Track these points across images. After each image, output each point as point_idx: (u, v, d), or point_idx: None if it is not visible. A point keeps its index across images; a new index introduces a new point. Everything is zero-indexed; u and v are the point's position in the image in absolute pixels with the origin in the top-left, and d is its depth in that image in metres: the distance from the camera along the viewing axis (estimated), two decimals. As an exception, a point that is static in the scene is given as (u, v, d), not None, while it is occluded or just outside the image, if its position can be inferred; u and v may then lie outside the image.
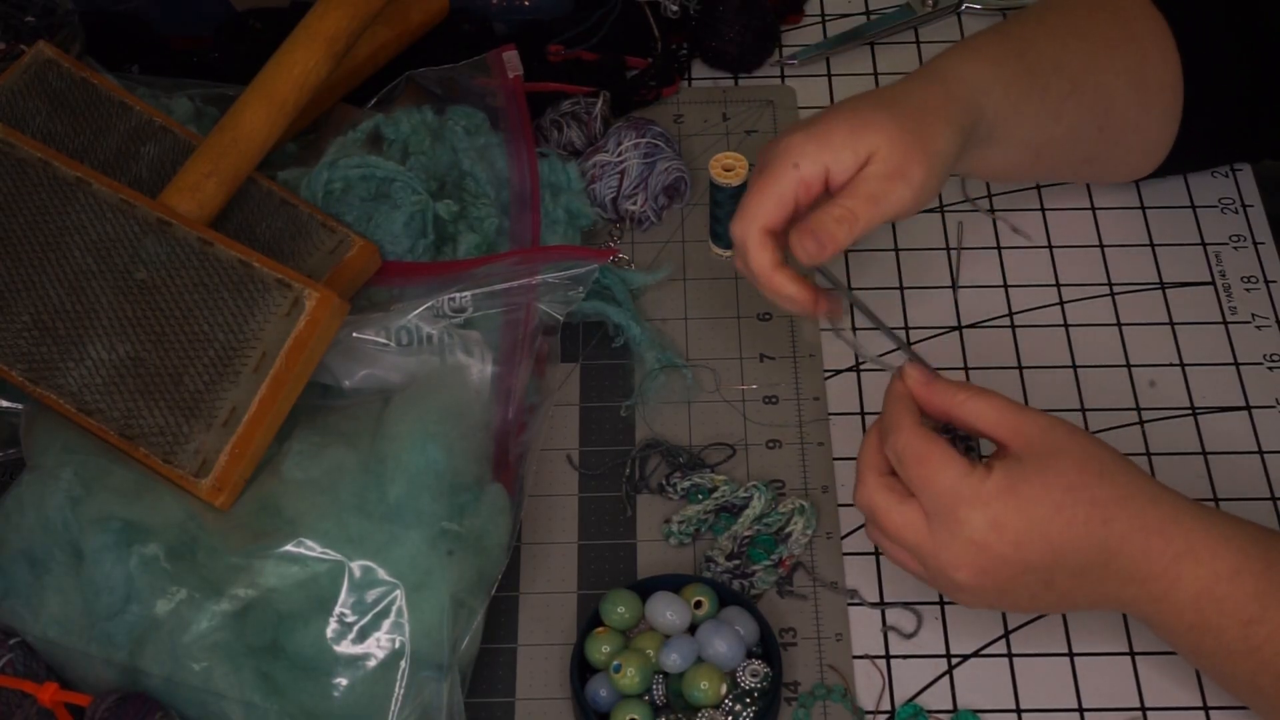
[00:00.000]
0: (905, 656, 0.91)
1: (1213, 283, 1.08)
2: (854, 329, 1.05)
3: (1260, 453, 0.99)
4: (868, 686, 0.90)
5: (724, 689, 0.88)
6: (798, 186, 0.86)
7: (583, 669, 0.90)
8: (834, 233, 0.85)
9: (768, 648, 0.90)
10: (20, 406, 0.94)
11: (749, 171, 1.06)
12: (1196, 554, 0.79)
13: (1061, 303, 1.07)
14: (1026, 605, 0.83)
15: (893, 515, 0.82)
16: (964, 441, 0.84)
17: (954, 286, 1.08)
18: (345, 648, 0.85)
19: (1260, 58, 1.02)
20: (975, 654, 0.91)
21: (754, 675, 0.88)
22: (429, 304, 0.98)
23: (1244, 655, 0.80)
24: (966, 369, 1.04)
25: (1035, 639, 0.92)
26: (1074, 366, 1.04)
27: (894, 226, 1.11)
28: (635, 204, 1.11)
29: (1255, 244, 1.10)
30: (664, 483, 0.99)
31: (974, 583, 0.81)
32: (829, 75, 1.23)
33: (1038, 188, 1.13)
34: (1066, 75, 0.97)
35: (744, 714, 0.87)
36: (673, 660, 0.88)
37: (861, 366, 1.04)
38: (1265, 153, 1.10)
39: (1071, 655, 0.91)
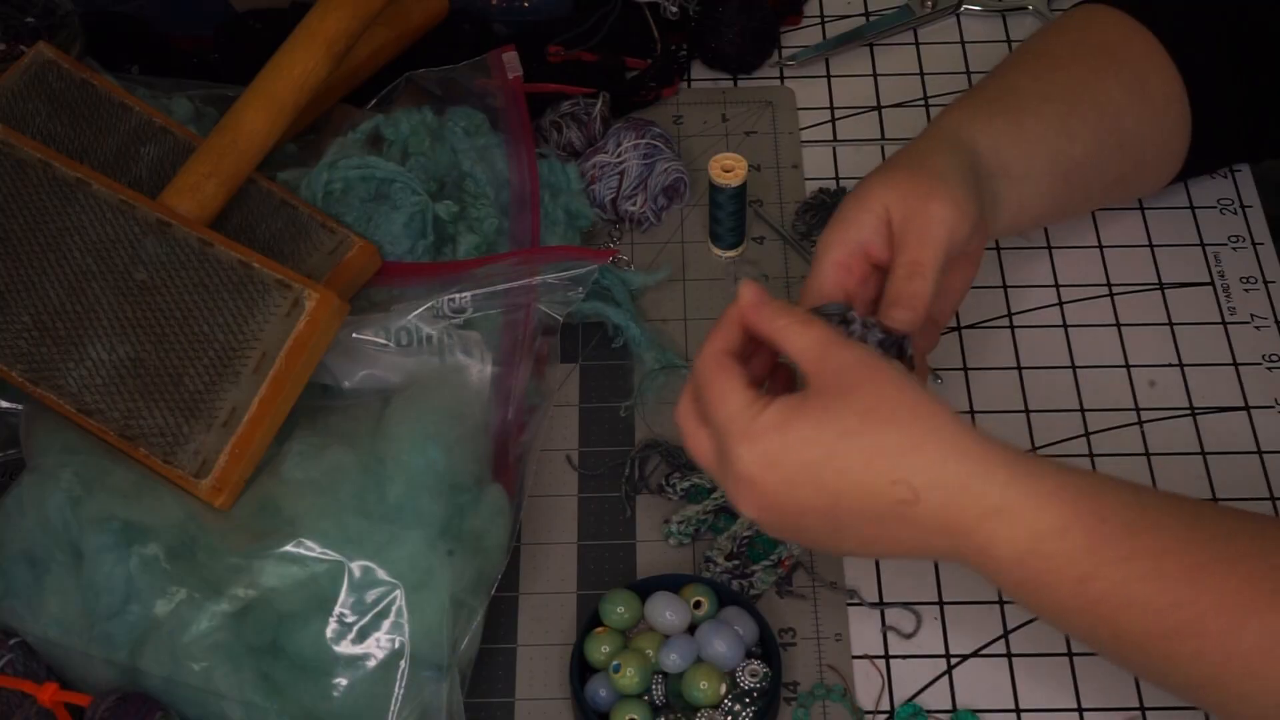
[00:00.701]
0: (904, 656, 0.92)
1: (1212, 283, 1.08)
2: None
3: (1259, 453, 0.99)
4: (867, 686, 0.90)
5: (723, 689, 0.88)
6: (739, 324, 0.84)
7: (582, 669, 0.90)
8: (912, 289, 0.84)
9: (767, 648, 0.90)
10: (20, 407, 0.94)
11: (748, 172, 1.06)
12: (1013, 511, 0.75)
13: (1061, 303, 1.07)
14: (830, 546, 0.81)
15: (690, 439, 0.81)
16: (890, 346, 0.82)
17: (953, 287, 1.08)
18: (345, 648, 0.85)
19: (1256, 59, 1.02)
20: (974, 654, 0.91)
21: (753, 675, 0.88)
22: (429, 304, 0.98)
23: (1079, 611, 0.76)
24: (966, 369, 1.04)
25: (1035, 639, 0.92)
26: (1073, 367, 1.04)
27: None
28: (635, 205, 1.11)
29: (1254, 244, 1.10)
30: (663, 483, 0.99)
31: (761, 517, 0.79)
32: (828, 76, 1.23)
33: (1037, 188, 1.14)
34: (1057, 100, 0.97)
35: (743, 714, 0.87)
36: (672, 660, 0.88)
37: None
38: (1267, 153, 1.10)
39: (1071, 655, 0.91)
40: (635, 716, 0.87)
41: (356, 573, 0.85)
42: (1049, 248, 1.10)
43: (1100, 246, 1.10)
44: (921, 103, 1.21)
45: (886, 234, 0.86)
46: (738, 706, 0.87)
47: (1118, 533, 0.75)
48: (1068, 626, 0.80)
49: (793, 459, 0.76)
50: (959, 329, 1.06)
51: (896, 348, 0.83)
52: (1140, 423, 1.01)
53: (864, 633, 0.92)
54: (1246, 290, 1.08)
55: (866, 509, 0.77)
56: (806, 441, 0.76)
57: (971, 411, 1.02)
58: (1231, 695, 0.75)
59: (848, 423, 0.76)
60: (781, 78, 1.23)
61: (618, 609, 0.91)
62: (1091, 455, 0.99)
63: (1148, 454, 0.99)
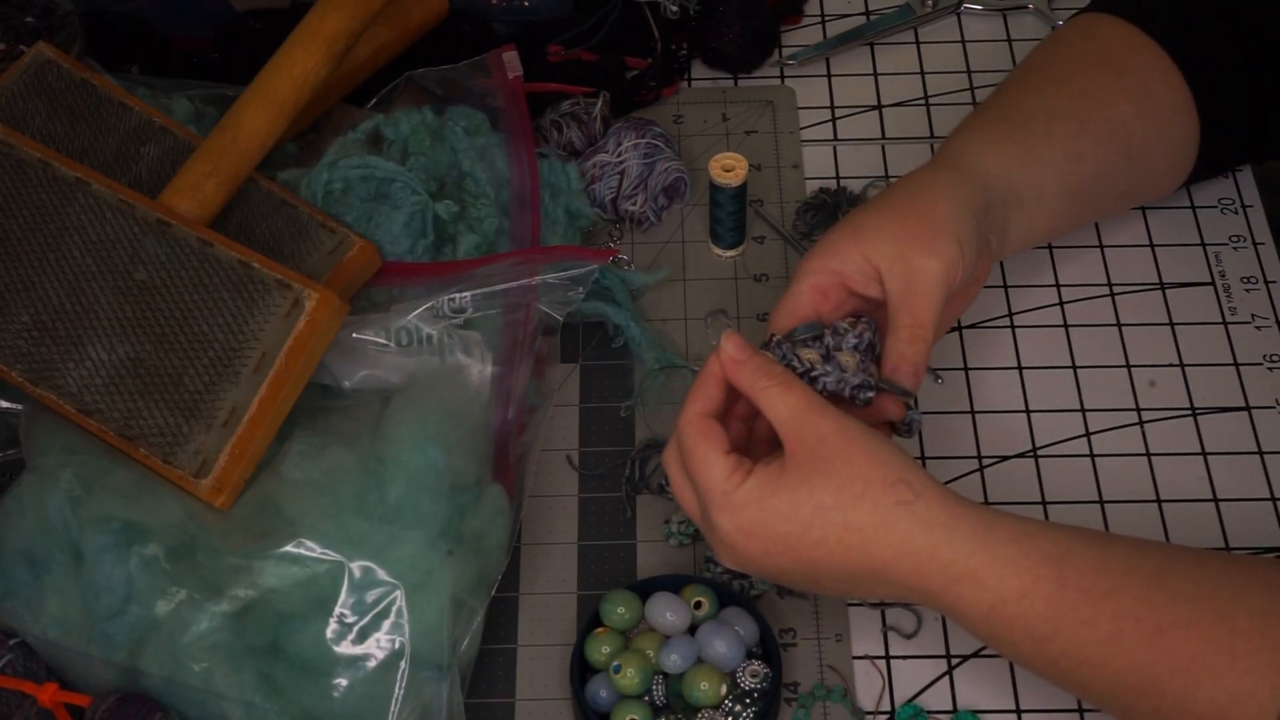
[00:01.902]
0: (905, 657, 0.91)
1: (1212, 283, 1.08)
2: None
3: (1260, 453, 0.99)
4: (868, 687, 0.90)
5: (724, 689, 0.88)
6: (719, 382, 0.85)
7: (583, 669, 0.90)
8: (916, 352, 0.86)
9: (767, 648, 0.90)
10: (20, 407, 0.94)
11: (748, 171, 1.06)
12: (977, 577, 0.78)
13: (1062, 303, 1.07)
14: (812, 590, 0.84)
15: (677, 490, 0.85)
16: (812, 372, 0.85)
17: (954, 287, 1.08)
18: (345, 648, 0.85)
19: (1257, 59, 1.02)
20: (975, 654, 0.91)
21: (754, 676, 0.88)
22: (429, 304, 0.98)
23: (1043, 666, 0.80)
24: (966, 369, 1.04)
25: (1035, 639, 0.92)
26: (1074, 367, 1.04)
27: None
28: (635, 204, 1.11)
29: (1255, 244, 1.10)
30: (664, 483, 0.99)
31: (744, 567, 0.83)
32: (829, 76, 1.23)
33: (1037, 188, 1.14)
34: (1067, 118, 0.97)
35: (744, 714, 0.87)
36: (673, 661, 0.88)
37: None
38: (1269, 154, 1.10)
39: (1071, 656, 0.91)
40: (636, 717, 0.87)
41: (356, 573, 0.85)
42: (1049, 248, 1.10)
43: (1101, 246, 1.10)
44: (922, 102, 1.21)
45: (871, 273, 0.88)
46: (738, 707, 0.87)
47: (1076, 599, 0.78)
48: (1035, 674, 0.83)
49: (770, 531, 0.80)
50: (959, 329, 1.06)
51: (870, 350, 0.87)
52: (1141, 423, 1.01)
53: (864, 633, 0.92)
54: (1247, 290, 1.08)
55: (841, 573, 0.81)
56: (783, 517, 0.80)
57: (972, 411, 1.02)
58: None
59: (822, 498, 0.79)
60: (782, 77, 1.23)
61: (618, 609, 0.91)
62: (1092, 455, 0.99)
63: (1148, 454, 0.99)
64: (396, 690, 0.85)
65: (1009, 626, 0.79)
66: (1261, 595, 0.77)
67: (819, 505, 0.79)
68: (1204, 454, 0.99)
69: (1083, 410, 1.01)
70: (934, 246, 0.87)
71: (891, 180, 1.14)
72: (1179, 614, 0.77)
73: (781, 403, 0.81)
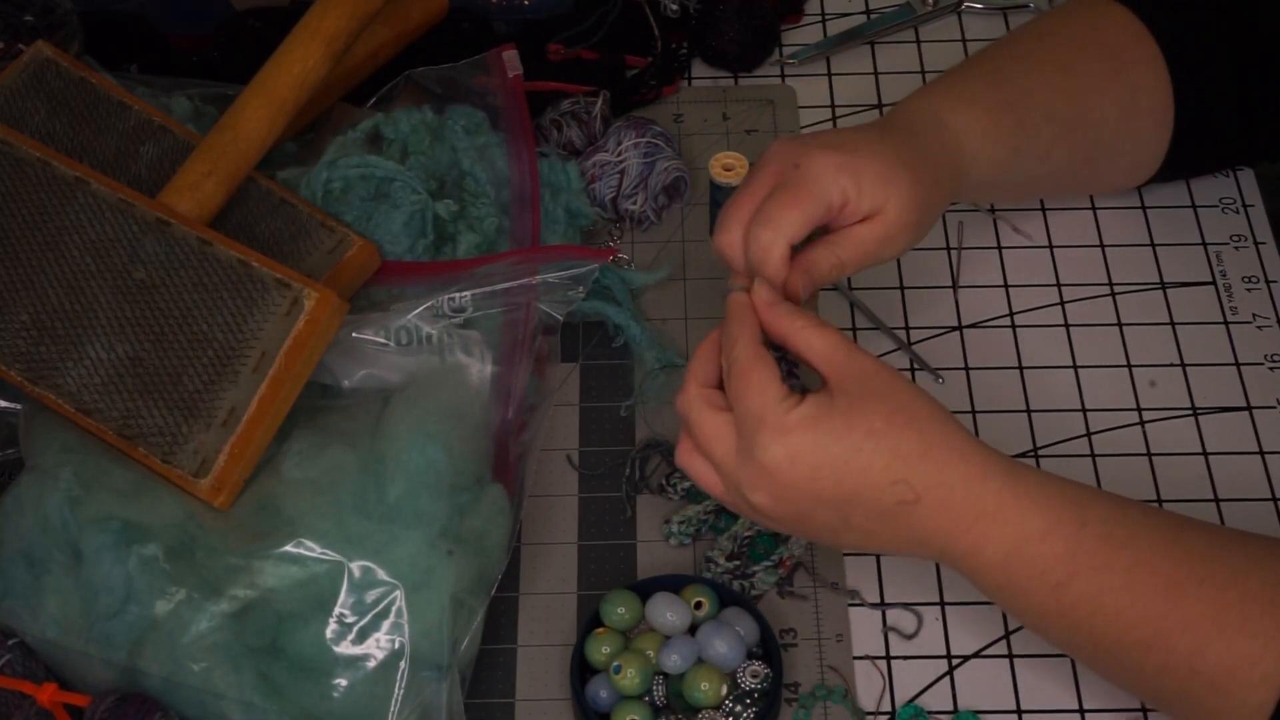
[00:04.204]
0: (906, 657, 0.91)
1: (1214, 283, 1.08)
2: (854, 330, 1.05)
3: (1261, 453, 0.99)
4: (868, 687, 0.90)
5: (724, 690, 0.88)
6: (828, 214, 0.87)
7: (583, 670, 0.90)
8: (826, 277, 0.88)
9: (768, 648, 0.90)
10: (19, 406, 0.94)
11: (749, 170, 1.06)
12: (1004, 514, 0.80)
13: (1062, 303, 1.07)
14: (828, 539, 0.83)
15: (705, 424, 0.83)
16: (788, 365, 0.85)
17: (954, 286, 1.08)
18: (345, 648, 0.84)
19: (1250, 62, 1.02)
20: (976, 654, 0.91)
21: (754, 676, 0.88)
22: (429, 304, 0.97)
23: (1055, 616, 0.80)
24: (967, 369, 1.04)
25: (1036, 639, 0.91)
26: (1074, 366, 1.04)
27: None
28: (635, 204, 1.11)
29: (1256, 244, 1.10)
30: (664, 483, 0.99)
31: (770, 507, 0.82)
32: (829, 75, 1.23)
33: (1038, 187, 1.14)
34: (1058, 120, 0.98)
35: (744, 715, 0.87)
36: (673, 661, 0.88)
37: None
38: (1261, 157, 1.10)
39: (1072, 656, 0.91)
40: (636, 717, 0.87)
41: (356, 573, 0.85)
42: (1050, 247, 1.10)
43: (1102, 246, 1.10)
44: (922, 101, 1.21)
45: (840, 199, 0.87)
46: (739, 707, 0.87)
47: (1095, 543, 0.79)
48: (1046, 631, 0.83)
49: (820, 455, 0.80)
50: (960, 329, 1.06)
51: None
52: (1142, 423, 1.01)
53: (865, 633, 0.92)
54: (1248, 290, 1.07)
55: (874, 506, 0.80)
56: (836, 437, 0.79)
57: (973, 411, 1.02)
58: (1199, 709, 0.78)
59: (873, 424, 0.80)
60: (782, 76, 1.23)
61: (618, 609, 0.90)
62: (1093, 455, 0.99)
63: (1149, 454, 0.99)
64: (396, 690, 0.85)
65: (1027, 570, 0.79)
66: (1274, 563, 0.78)
67: (870, 430, 0.79)
68: (1205, 454, 0.99)
69: (1083, 410, 1.01)
70: (904, 240, 0.89)
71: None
72: (1193, 570, 0.78)
73: (819, 340, 0.82)
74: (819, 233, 0.88)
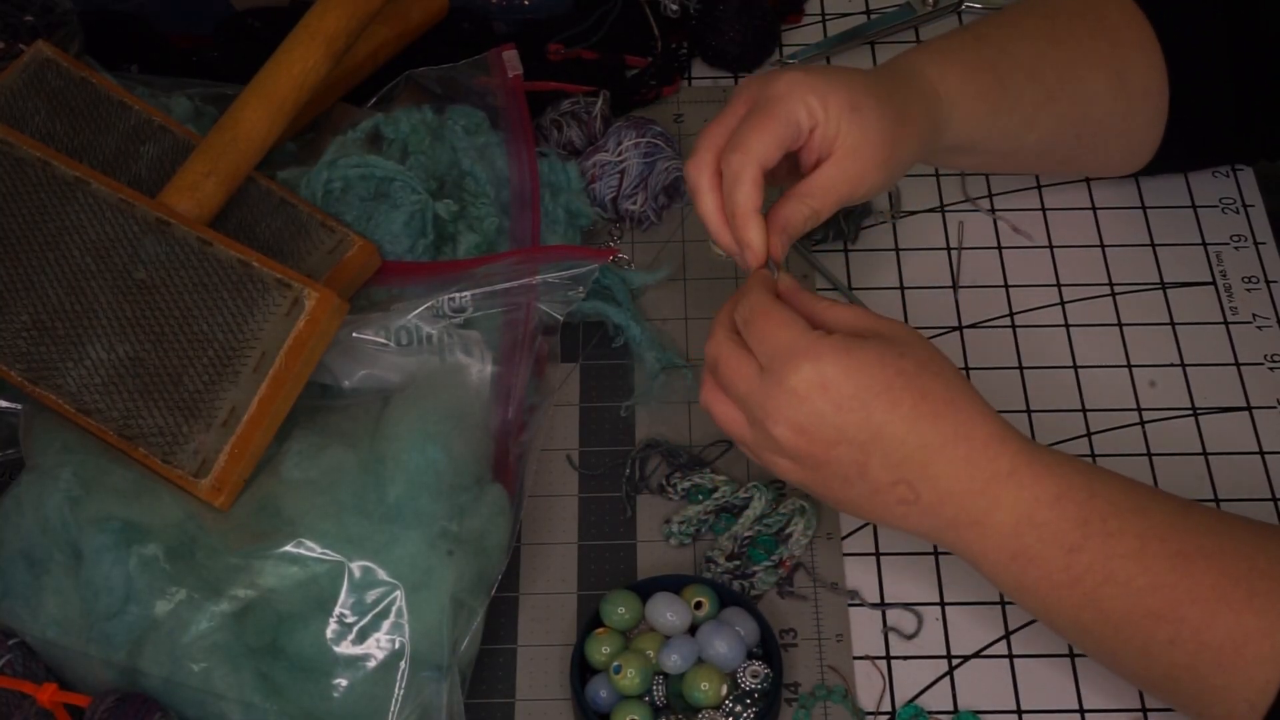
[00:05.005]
0: (906, 657, 0.91)
1: (1213, 283, 1.08)
2: None
3: (1261, 453, 0.99)
4: (868, 687, 0.90)
5: (724, 690, 0.88)
6: (798, 136, 0.88)
7: (583, 670, 0.90)
8: (801, 229, 0.89)
9: (768, 648, 0.90)
10: (19, 406, 0.94)
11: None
12: (1019, 476, 0.80)
13: (1062, 303, 1.07)
14: (838, 490, 0.83)
15: (730, 361, 0.84)
16: None
17: (954, 286, 1.08)
18: (345, 648, 0.84)
19: (1249, 59, 1.02)
20: (976, 655, 0.91)
21: (754, 676, 0.88)
22: (429, 304, 0.97)
23: (1066, 586, 0.80)
24: (967, 369, 1.04)
25: (1036, 639, 0.91)
26: (1074, 366, 1.04)
27: (894, 227, 1.11)
28: (635, 204, 1.11)
29: (1256, 244, 1.10)
30: (664, 483, 0.99)
31: (792, 441, 0.82)
32: (829, 75, 1.22)
33: (1038, 187, 1.13)
34: (1042, 84, 0.98)
35: (744, 715, 0.87)
36: (673, 661, 0.88)
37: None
38: (1258, 154, 1.10)
39: (1072, 656, 0.91)
40: (636, 717, 0.87)
41: (356, 573, 0.85)
42: (1050, 247, 1.10)
43: (1102, 246, 1.10)
44: (922, 101, 1.20)
45: (833, 143, 0.89)
46: (739, 708, 0.87)
47: (1105, 509, 0.80)
48: (1056, 606, 0.82)
49: (850, 384, 0.80)
50: (960, 329, 1.06)
51: None
52: (1142, 423, 1.01)
53: (865, 633, 0.92)
54: (1249, 290, 1.07)
55: (896, 450, 0.81)
56: (867, 369, 0.80)
57: (973, 411, 1.01)
58: (1205, 687, 0.78)
59: (904, 365, 0.81)
60: (782, 76, 1.23)
61: (618, 609, 0.90)
62: (1093, 455, 0.99)
63: (1149, 454, 0.99)
64: (396, 690, 0.85)
65: (1039, 537, 0.80)
66: None
67: (901, 369, 0.81)
68: (1205, 454, 0.99)
69: (1084, 410, 1.01)
70: (876, 181, 0.90)
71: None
72: (1202, 543, 0.79)
73: (847, 310, 0.84)
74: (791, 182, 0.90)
